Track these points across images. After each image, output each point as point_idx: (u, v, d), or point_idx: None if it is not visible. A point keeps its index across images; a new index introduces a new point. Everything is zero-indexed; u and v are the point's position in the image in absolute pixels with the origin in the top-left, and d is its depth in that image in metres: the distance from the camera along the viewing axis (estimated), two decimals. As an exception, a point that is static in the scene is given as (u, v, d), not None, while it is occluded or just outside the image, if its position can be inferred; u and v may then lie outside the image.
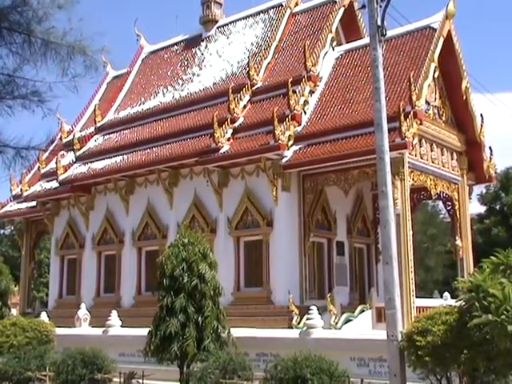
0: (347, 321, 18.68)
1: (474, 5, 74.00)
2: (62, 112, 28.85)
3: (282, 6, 25.73)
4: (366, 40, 21.92)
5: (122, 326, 19.38)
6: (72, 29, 6.59)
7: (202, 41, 28.02)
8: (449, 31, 20.55)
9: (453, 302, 10.97)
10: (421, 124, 19.17)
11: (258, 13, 26.68)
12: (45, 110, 6.90)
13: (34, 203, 28.51)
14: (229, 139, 21.70)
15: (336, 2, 23.90)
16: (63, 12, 6.63)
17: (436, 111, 21.18)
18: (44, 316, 20.88)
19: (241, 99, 22.69)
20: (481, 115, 22.26)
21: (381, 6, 11.79)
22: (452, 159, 21.89)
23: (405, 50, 20.72)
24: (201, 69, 26.51)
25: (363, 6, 12.21)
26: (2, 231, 53.99)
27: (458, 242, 22.09)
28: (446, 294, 22.16)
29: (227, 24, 27.78)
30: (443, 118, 21.52)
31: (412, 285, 17.86)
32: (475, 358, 9.64)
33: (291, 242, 20.34)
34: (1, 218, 32.18)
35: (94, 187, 26.07)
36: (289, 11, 25.50)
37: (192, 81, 26.18)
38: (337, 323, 18.30)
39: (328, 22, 23.45)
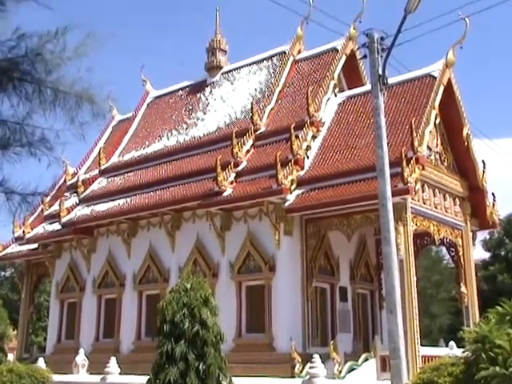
0: (351, 369, 18.33)
1: (474, 51, 74.96)
2: (67, 155, 28.97)
3: (285, 53, 26.06)
4: (367, 86, 22.07)
5: (120, 373, 19.03)
6: (81, 78, 6.69)
7: (207, 86, 28.30)
8: (449, 79, 20.79)
9: (459, 352, 10.75)
10: (423, 169, 19.19)
11: (262, 60, 27.02)
12: (50, 158, 6.95)
13: (35, 245, 28.42)
14: (232, 183, 21.72)
15: (338, 51, 24.23)
16: (73, 62, 6.72)
17: (438, 157, 21.23)
18: (41, 362, 20.48)
19: (244, 143, 22.79)
20: (483, 161, 22.31)
21: (382, 56, 11.91)
22: (455, 205, 21.84)
23: (406, 96, 20.89)
24: (205, 113, 26.71)
25: (364, 56, 12.34)
26: (3, 273, 53.70)
27: (463, 288, 21.86)
28: (452, 343, 21.77)
29: (231, 70, 28.10)
30: (445, 164, 21.55)
31: (417, 333, 17.59)
32: (482, 410, 9.38)
33: (293, 287, 20.14)
34: (2, 259, 32.01)
35: (97, 229, 26.01)
36: (292, 58, 25.81)
37: (196, 125, 26.36)
38: (340, 372, 17.95)
39: (330, 69, 23.71)
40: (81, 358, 21.76)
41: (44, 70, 6.62)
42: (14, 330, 28.29)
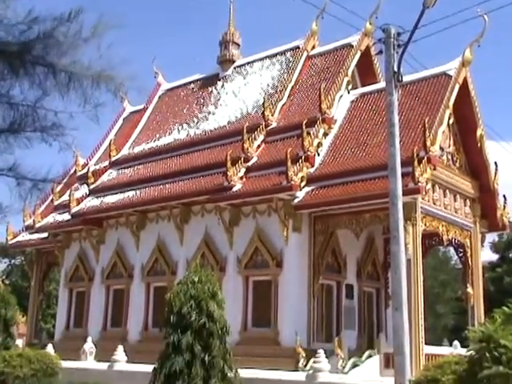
0: (354, 365, 18.42)
1: (489, 51, 74.58)
2: (78, 145, 29.07)
3: (298, 48, 26.06)
4: (381, 84, 22.11)
5: (127, 362, 19.22)
6: (99, 58, 6.62)
7: (219, 80, 28.35)
8: (465, 78, 20.70)
9: (463, 351, 10.81)
10: (434, 169, 19.19)
11: (275, 54, 27.02)
12: (62, 143, 6.93)
13: (45, 234, 28.68)
14: (241, 178, 21.79)
15: (353, 47, 24.17)
16: (90, 42, 6.68)
17: (450, 157, 21.21)
18: (50, 348, 20.75)
19: (255, 139, 22.85)
20: (495, 163, 22.25)
21: (397, 52, 11.93)
22: (465, 206, 21.83)
23: (420, 95, 20.86)
24: (216, 108, 26.78)
25: (380, 52, 12.36)
26: (13, 261, 54.13)
27: (469, 289, 21.87)
28: (456, 342, 21.82)
29: (244, 64, 28.13)
30: (457, 165, 21.54)
31: (421, 331, 17.66)
32: (485, 410, 9.44)
33: (300, 284, 20.23)
34: (12, 247, 32.32)
35: (106, 221, 26.18)
36: (305, 54, 25.80)
37: (207, 119, 26.43)
38: (344, 367, 18.06)
39: (344, 65, 23.69)
40: (89, 346, 21.96)
41: (57, 52, 6.58)
42: (23, 316, 28.59)
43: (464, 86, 20.67)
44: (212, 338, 13.90)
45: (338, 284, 22.15)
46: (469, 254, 22.11)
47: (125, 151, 28.35)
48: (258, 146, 22.91)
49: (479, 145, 21.65)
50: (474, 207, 22.22)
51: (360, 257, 23.17)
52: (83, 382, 15.64)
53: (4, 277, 47.12)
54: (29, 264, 31.71)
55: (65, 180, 26.10)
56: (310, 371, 15.04)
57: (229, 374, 14.07)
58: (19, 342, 22.64)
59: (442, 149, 20.37)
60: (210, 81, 28.81)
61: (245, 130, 22.46)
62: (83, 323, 26.13)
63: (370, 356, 19.13)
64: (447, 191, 20.78)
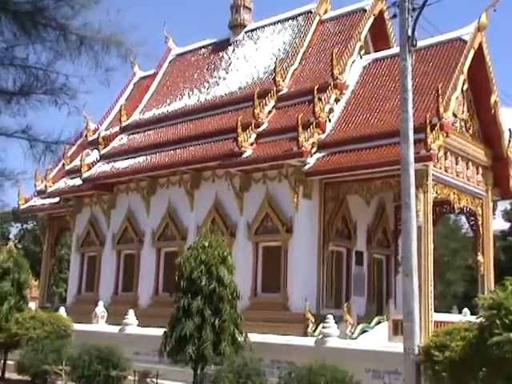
0: (363, 331, 18.53)
1: (505, 16, 73.43)
2: (89, 110, 29.04)
3: (311, 12, 25.69)
4: (394, 49, 21.82)
5: (138, 325, 19.43)
6: (108, 21, 6.56)
7: (230, 45, 28.05)
8: (480, 44, 20.37)
9: (472, 319, 10.84)
10: (447, 136, 19.00)
11: (287, 19, 26.66)
12: (71, 107, 6.92)
13: (57, 199, 28.79)
14: (252, 144, 21.70)
15: (366, 11, 23.81)
16: (100, 5, 6.61)
17: (463, 124, 20.99)
18: (62, 311, 21.05)
19: (266, 104, 22.68)
20: (509, 130, 22.02)
21: (412, 16, 11.71)
22: (477, 173, 21.67)
23: (434, 61, 20.55)
24: (227, 73, 26.56)
25: (394, 16, 12.15)
26: (25, 226, 54.57)
27: (480, 257, 21.84)
28: (466, 310, 21.89)
29: (255, 29, 27.79)
30: (470, 132, 21.32)
31: (431, 298, 17.68)
32: (493, 376, 9.49)
33: (310, 250, 20.26)
34: (24, 212, 32.54)
35: (117, 186, 26.24)
36: (318, 18, 25.46)
37: (218, 84, 26.24)
38: (353, 333, 18.16)
39: (357, 30, 23.37)
40: (100, 310, 22.21)
41: (69, 14, 6.53)
42: (35, 280, 28.93)
43: (479, 52, 20.35)
44: (222, 303, 14.03)
45: (348, 251, 22.17)
46: (480, 223, 22.02)
47: (135, 116, 28.27)
48: (269, 112, 22.75)
49: (493, 111, 21.40)
50: (487, 175, 22.06)
51: (370, 224, 23.14)
52: (95, 345, 15.82)
53: (16, 241, 47.53)
54: (41, 229, 31.93)
55: (76, 145, 26.14)
56: (319, 336, 15.14)
57: (239, 339, 14.23)
58: (32, 306, 22.98)
59: (455, 115, 20.14)
60: (221, 46, 28.52)
61: (255, 96, 22.28)
62: (95, 287, 26.37)
63: (378, 322, 19.24)
64: (459, 158, 20.61)
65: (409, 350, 10.85)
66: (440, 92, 18.37)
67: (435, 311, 18.30)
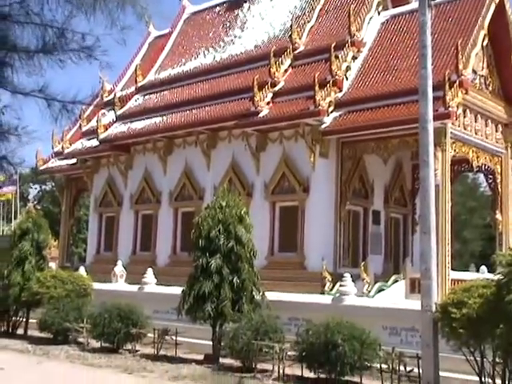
0: (380, 290, 18.63)
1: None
2: (104, 70, 28.92)
3: (328, -32, 25.16)
4: (412, 5, 21.42)
5: (156, 284, 19.66)
6: None
7: (245, 2, 27.64)
8: (502, -4, 19.93)
9: (490, 276, 10.84)
10: (466, 94, 18.75)
11: (304, -25, 26.15)
12: (97, 63, 6.88)
13: (74, 160, 28.97)
14: (268, 103, 21.57)
15: (383, -35, 23.32)
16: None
17: (483, 81, 20.67)
18: (82, 270, 21.33)
19: (282, 63, 22.46)
20: (529, 87, 21.66)
21: (431, -31, 11.46)
22: (496, 131, 21.42)
23: (453, 16, 20.16)
24: (243, 31, 26.25)
25: (413, -30, 11.89)
26: (43, 187, 55.08)
27: (498, 215, 21.74)
28: (483, 267, 21.90)
29: (271, -14, 27.32)
30: (490, 89, 21.01)
31: (448, 257, 17.70)
32: (511, 332, 9.53)
33: (327, 209, 20.27)
34: (42, 173, 32.83)
35: (133, 147, 26.30)
36: (335, -26, 24.95)
37: (234, 43, 25.98)
38: (369, 292, 18.27)
39: (375, -15, 22.91)
40: (119, 269, 22.47)
41: None
42: (54, 240, 29.31)
43: (500, 6, 19.93)
44: (240, 262, 14.16)
45: (365, 210, 22.16)
46: (499, 181, 21.86)
47: (151, 77, 28.14)
48: (286, 71, 22.54)
49: (514, 67, 21.04)
50: (506, 132, 21.79)
51: (387, 183, 23.06)
52: (115, 303, 16.09)
53: (35, 203, 48.01)
54: (59, 190, 32.18)
55: (92, 106, 26.11)
56: (336, 294, 15.25)
57: (256, 297, 14.39)
58: (52, 266, 23.32)
59: (474, 72, 19.83)
60: (237, 4, 28.09)
61: (272, 54, 22.07)
62: (113, 247, 26.66)
63: (395, 281, 19.33)
64: (478, 116, 20.35)
65: (426, 307, 10.90)
66: (459, 48, 18.07)
67: (452, 269, 18.33)
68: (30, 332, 18.72)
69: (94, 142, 27.05)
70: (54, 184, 41.11)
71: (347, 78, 21.16)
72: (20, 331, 19.01)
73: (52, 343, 16.62)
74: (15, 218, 37.53)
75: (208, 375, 12.44)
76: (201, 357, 14.55)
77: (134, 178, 26.17)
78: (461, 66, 18.14)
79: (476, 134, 20.15)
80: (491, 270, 13.94)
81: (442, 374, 10.90)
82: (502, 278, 10.00)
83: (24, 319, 19.19)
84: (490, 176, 22.21)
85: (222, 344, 13.58)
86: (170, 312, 16.27)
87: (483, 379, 10.32)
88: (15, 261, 18.77)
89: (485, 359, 10.31)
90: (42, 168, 31.03)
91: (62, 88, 7.12)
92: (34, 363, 13.76)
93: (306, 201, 20.52)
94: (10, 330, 19.12)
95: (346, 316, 12.41)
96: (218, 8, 29.11)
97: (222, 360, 13.88)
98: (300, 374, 12.31)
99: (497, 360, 10.16)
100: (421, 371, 11.04)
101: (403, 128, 18.26)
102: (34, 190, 56.73)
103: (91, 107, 27.40)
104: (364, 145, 20.20)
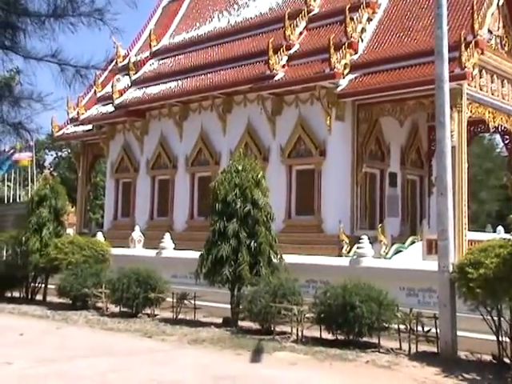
0: (397, 251, 18.73)
1: None
2: (118, 35, 28.79)
3: None
4: (429, -36, 21.05)
5: (174, 249, 19.84)
6: None
7: (259, -36, 27.28)
8: (518, -46, 19.56)
9: (507, 236, 10.87)
10: (482, 54, 18.56)
11: None
12: (111, 27, 6.88)
13: (90, 127, 29.06)
14: (283, 66, 21.47)
15: None
16: None
17: (498, 41, 20.42)
18: (100, 236, 21.49)
19: (297, 26, 22.30)
20: (546, 46, 21.34)
21: None
22: (513, 91, 21.20)
23: (469, -25, 19.81)
24: (257, -7, 25.97)
25: None
26: (60, 153, 55.35)
27: (515, 176, 21.67)
28: (500, 227, 21.90)
29: None
30: (506, 49, 20.75)
31: (465, 218, 17.72)
32: (527, 291, 9.61)
33: (343, 172, 20.29)
34: (58, 140, 32.95)
35: (149, 112, 26.32)
36: None
37: (248, 6, 25.75)
38: (387, 253, 18.38)
39: None
40: (137, 234, 22.60)
41: None
42: (72, 206, 29.50)
43: (517, -36, 19.58)
44: (257, 225, 14.23)
45: (382, 172, 22.15)
46: (515, 141, 21.75)
47: (165, 41, 28.03)
48: (300, 33, 22.38)
49: (530, 27, 20.74)
50: (523, 92, 21.57)
51: (404, 145, 23.00)
52: (133, 268, 16.24)
53: (52, 169, 48.33)
54: (75, 156, 32.28)
55: (107, 71, 26.10)
56: (354, 257, 15.34)
57: (274, 260, 14.50)
58: (70, 232, 23.52)
59: (490, 32, 19.59)
60: (250, -34, 27.74)
61: (286, 17, 21.89)
62: (130, 213, 26.88)
63: (412, 242, 19.41)
64: (495, 76, 20.13)
65: (443, 267, 10.97)
66: (475, 8, 17.84)
67: (469, 230, 18.37)
68: (48, 298, 18.79)
69: (110, 108, 27.10)
70: (70, 150, 41.34)
71: (362, 40, 20.98)
72: (39, 297, 19.06)
73: (71, 309, 16.64)
74: (32, 184, 37.86)
75: (227, 338, 12.60)
76: (219, 320, 14.73)
77: (150, 143, 26.26)
78: (476, 26, 17.94)
79: (492, 94, 19.96)
80: (508, 230, 13.94)
81: (459, 333, 11.02)
82: (518, 237, 10.04)
83: (43, 285, 19.32)
84: (507, 137, 22.14)
85: (241, 307, 13.72)
86: (188, 276, 16.44)
87: (500, 338, 10.42)
88: (33, 227, 18.73)
89: (502, 318, 10.39)
90: (57, 134, 31.11)
91: (76, 54, 7.11)
92: (54, 328, 13.95)
93: (322, 164, 20.53)
94: (29, 296, 19.25)
95: (364, 278, 12.49)
96: (231, -30, 28.73)
97: (240, 323, 14.03)
98: (318, 336, 12.46)
99: (514, 319, 10.26)
100: (438, 331, 11.16)
101: (419, 90, 18.15)
102: (50, 157, 57.06)
103: (106, 73, 27.46)
104: (380, 107, 20.10)
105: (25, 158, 37.35)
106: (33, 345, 11.86)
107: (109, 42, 31.12)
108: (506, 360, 10.35)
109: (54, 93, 7.33)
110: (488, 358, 10.72)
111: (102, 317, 15.61)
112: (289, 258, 14.98)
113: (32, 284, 19.41)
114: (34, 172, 39.94)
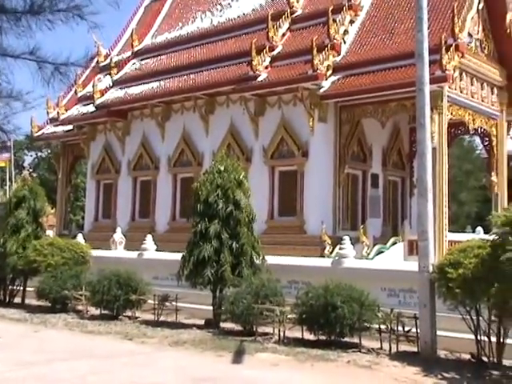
0: (379, 252, 18.84)
1: None
2: (98, 35, 28.66)
3: None
4: (410, -33, 21.20)
5: (156, 251, 19.75)
6: None
7: (242, -35, 27.29)
8: (497, -42, 19.77)
9: (485, 237, 10.99)
10: (462, 57, 18.72)
11: None
12: (87, 24, 6.80)
13: (70, 127, 28.76)
14: (266, 67, 21.50)
15: None
16: None
17: (478, 44, 20.61)
18: (80, 238, 21.28)
19: (280, 27, 22.34)
20: (525, 49, 21.59)
21: None
22: (492, 94, 21.42)
23: (450, -22, 19.99)
24: (240, -6, 25.98)
25: None
26: (39, 154, 54.80)
27: (494, 177, 21.88)
28: (479, 228, 22.12)
29: None
30: (485, 52, 20.96)
31: (445, 218, 17.87)
32: (506, 291, 9.72)
33: (326, 173, 20.36)
34: (38, 140, 32.49)
35: (131, 112, 26.19)
36: None
37: (231, 6, 25.74)
38: (369, 254, 18.48)
39: None
40: (118, 236, 22.48)
41: None
42: (52, 208, 29.19)
43: (496, -33, 19.79)
44: (239, 226, 14.24)
45: (364, 173, 22.27)
46: (494, 143, 21.96)
47: (147, 41, 27.94)
48: (283, 35, 22.43)
49: (508, 31, 20.91)
50: (501, 95, 21.79)
51: (385, 146, 23.14)
52: (114, 270, 16.11)
53: (31, 170, 47.87)
54: (55, 157, 31.88)
55: (87, 71, 25.92)
56: (336, 257, 15.41)
57: (256, 261, 14.52)
58: (50, 233, 23.28)
59: (470, 35, 19.78)
60: (233, -34, 27.75)
61: (269, 18, 21.93)
62: (111, 214, 26.69)
63: (394, 243, 19.54)
64: (474, 79, 20.34)
65: (423, 268, 11.08)
66: (455, 11, 18.01)
67: (449, 231, 18.52)
68: (27, 301, 18.41)
69: (91, 108, 26.88)
70: (49, 151, 40.89)
71: (345, 42, 21.07)
72: (17, 300, 18.71)
73: (50, 312, 16.40)
74: (10, 186, 37.43)
75: (208, 340, 12.58)
76: (201, 322, 14.71)
77: (132, 144, 26.13)
78: (457, 30, 18.13)
79: (472, 97, 20.16)
80: (487, 231, 14.10)
81: (438, 333, 11.14)
82: (497, 238, 10.16)
83: (21, 288, 19.01)
84: (486, 138, 22.33)
85: (223, 309, 13.71)
86: (169, 278, 16.37)
87: (479, 337, 10.54)
88: (11, 229, 18.47)
89: (480, 318, 10.52)
90: (37, 135, 30.66)
91: (54, 51, 6.99)
92: (32, 331, 13.79)
93: (304, 165, 20.59)
94: (7, 299, 18.89)
95: (346, 278, 12.56)
96: (213, -29, 28.70)
97: (222, 324, 14.03)
98: (300, 337, 12.50)
99: (492, 318, 10.38)
100: (418, 331, 11.26)
101: (401, 92, 18.24)
102: (29, 158, 56.51)
103: (87, 72, 27.29)
104: (362, 109, 20.20)
105: (2, 158, 36.93)
106: (10, 348, 11.73)
107: (88, 39, 30.92)
108: (485, 359, 10.48)
109: (33, 91, 7.22)
110: (467, 356, 10.86)
111: (81, 319, 15.46)
112: (271, 259, 15.01)
113: (10, 287, 19.07)
114: (13, 173, 39.51)
